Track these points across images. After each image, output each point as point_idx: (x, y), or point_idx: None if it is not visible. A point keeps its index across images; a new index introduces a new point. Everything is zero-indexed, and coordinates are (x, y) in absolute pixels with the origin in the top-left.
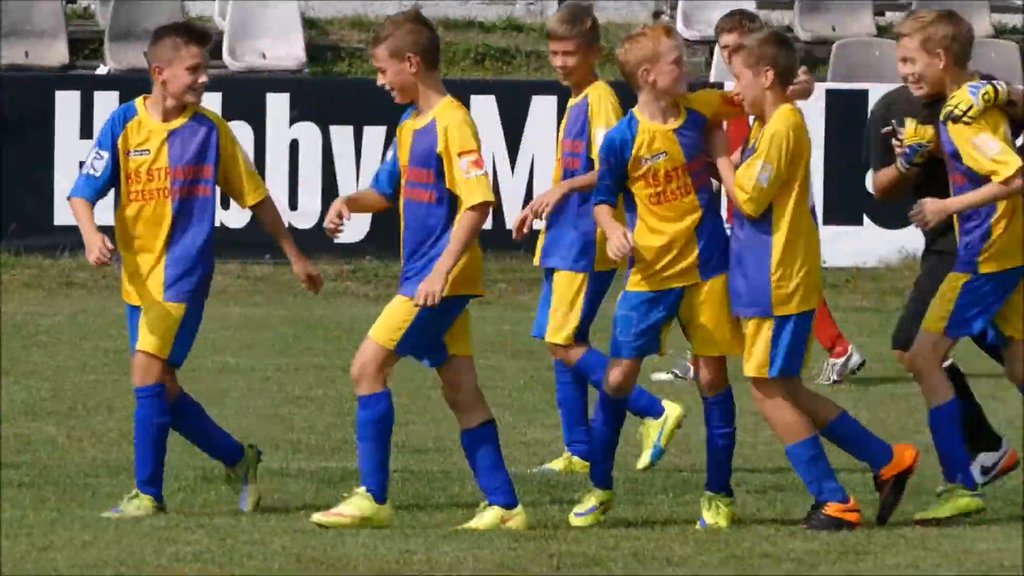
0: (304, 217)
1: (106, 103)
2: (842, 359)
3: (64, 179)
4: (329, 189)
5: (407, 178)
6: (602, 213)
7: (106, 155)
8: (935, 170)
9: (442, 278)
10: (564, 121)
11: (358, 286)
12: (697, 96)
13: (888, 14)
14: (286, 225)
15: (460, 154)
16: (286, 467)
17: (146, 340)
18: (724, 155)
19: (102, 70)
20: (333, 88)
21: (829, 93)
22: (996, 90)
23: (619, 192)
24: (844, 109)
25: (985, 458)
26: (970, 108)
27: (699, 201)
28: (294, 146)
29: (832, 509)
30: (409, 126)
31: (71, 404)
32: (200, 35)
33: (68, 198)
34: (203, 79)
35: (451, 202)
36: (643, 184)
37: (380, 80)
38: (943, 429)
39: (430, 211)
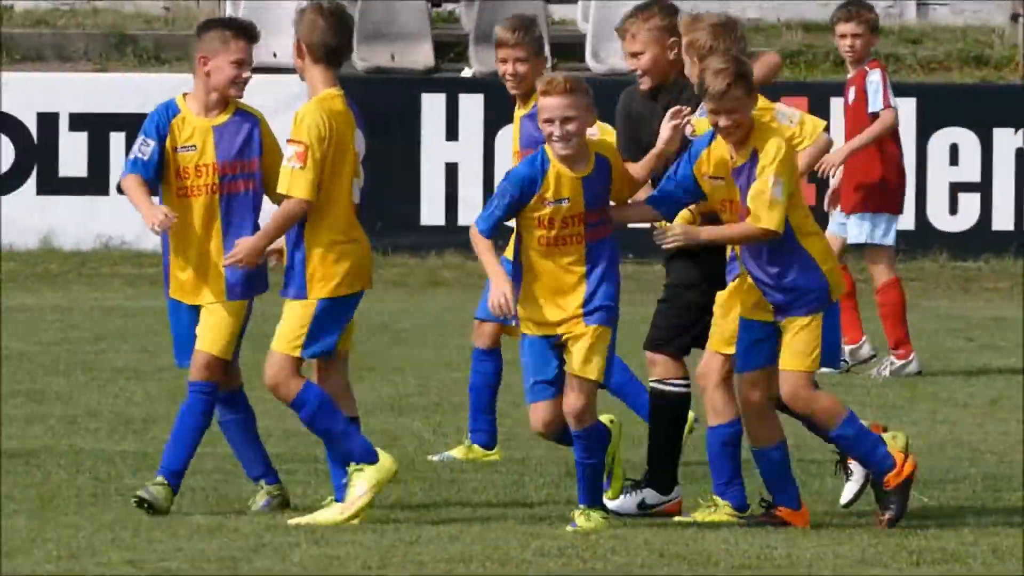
0: None
1: (471, 105)
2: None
3: (431, 180)
4: None
5: None
6: (487, 248)
7: (153, 143)
8: None
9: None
10: (518, 132)
11: None
12: (604, 144)
13: None
14: None
15: (288, 140)
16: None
17: (213, 343)
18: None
19: (467, 72)
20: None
21: None
22: None
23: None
24: None
25: (650, 494)
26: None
27: (587, 252)
28: None
29: (784, 513)
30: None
31: (436, 400)
32: (249, 31)
33: (120, 180)
34: (247, 74)
35: None
36: (535, 225)
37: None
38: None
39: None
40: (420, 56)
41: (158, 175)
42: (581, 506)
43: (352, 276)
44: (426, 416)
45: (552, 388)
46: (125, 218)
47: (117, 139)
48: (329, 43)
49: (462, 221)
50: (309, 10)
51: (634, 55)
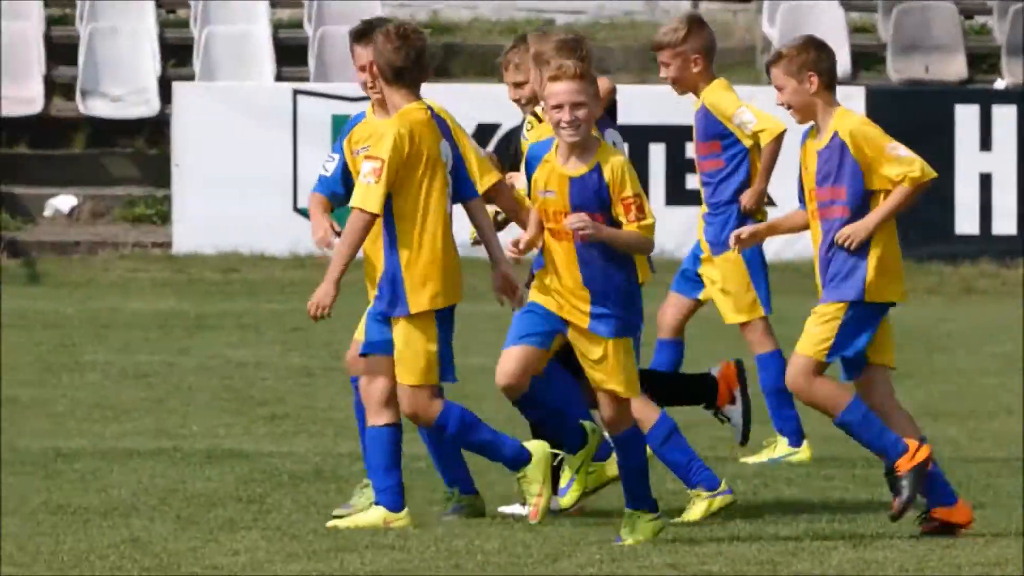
0: None
1: (1003, 117)
2: None
3: (964, 190)
4: None
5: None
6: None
7: (337, 156)
8: None
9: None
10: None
11: None
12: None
13: None
14: None
15: (365, 156)
16: None
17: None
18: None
19: (999, 84)
20: None
21: None
22: None
23: None
24: None
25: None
26: None
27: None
28: None
29: (904, 462)
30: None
31: (971, 406)
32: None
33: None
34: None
35: None
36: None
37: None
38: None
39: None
40: (954, 67)
41: (343, 187)
42: (627, 511)
43: (448, 288)
44: (960, 422)
45: (535, 339)
46: None
47: (656, 150)
48: (395, 64)
49: (996, 230)
50: (378, 32)
51: (517, 85)
